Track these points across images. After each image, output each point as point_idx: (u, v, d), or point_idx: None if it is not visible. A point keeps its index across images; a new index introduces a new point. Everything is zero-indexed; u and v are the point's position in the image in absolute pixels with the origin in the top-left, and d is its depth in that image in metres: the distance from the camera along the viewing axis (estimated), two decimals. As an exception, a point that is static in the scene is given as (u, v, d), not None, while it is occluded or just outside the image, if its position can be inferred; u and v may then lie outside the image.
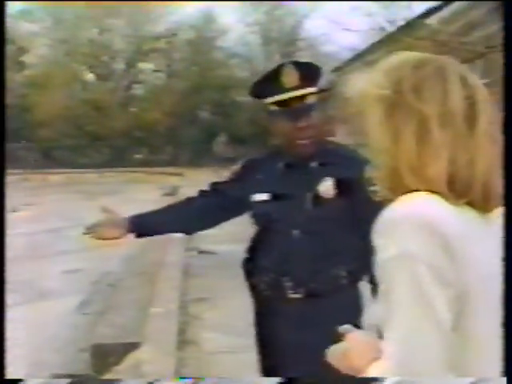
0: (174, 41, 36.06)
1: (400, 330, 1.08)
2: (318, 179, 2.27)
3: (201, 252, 8.84)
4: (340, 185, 2.23)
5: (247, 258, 2.62)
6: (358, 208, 2.07)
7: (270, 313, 2.42)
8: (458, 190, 1.13)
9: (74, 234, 11.65)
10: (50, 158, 33.17)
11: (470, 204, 1.15)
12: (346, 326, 1.31)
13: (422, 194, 1.12)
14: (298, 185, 2.32)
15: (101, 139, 33.90)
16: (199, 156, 34.24)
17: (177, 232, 2.81)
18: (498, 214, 1.20)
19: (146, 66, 37.30)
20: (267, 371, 2.48)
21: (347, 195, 2.20)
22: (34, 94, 32.96)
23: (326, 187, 2.25)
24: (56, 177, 27.81)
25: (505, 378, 1.29)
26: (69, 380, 4.25)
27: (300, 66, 2.27)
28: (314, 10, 33.06)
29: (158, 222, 2.59)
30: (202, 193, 2.64)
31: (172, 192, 19.68)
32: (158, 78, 37.84)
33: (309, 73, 2.25)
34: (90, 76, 37.01)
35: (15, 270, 7.22)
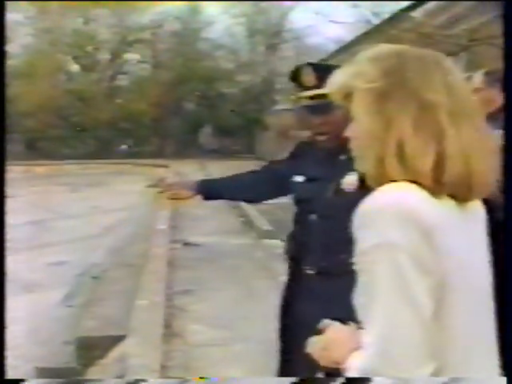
0: (159, 32, 35.85)
1: (380, 318, 1.10)
2: (344, 172, 2.43)
3: (186, 244, 8.84)
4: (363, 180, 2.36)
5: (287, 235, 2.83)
6: None
7: (289, 285, 2.73)
8: (443, 183, 1.14)
9: (58, 225, 11.70)
10: (34, 149, 32.92)
11: (452, 195, 1.17)
12: (326, 321, 1.34)
13: (403, 184, 1.13)
14: (326, 174, 2.52)
15: (86, 130, 33.67)
16: (185, 147, 34.14)
17: (238, 200, 3.28)
18: (478, 204, 1.25)
19: (131, 56, 37.04)
20: (282, 342, 2.86)
21: (368, 189, 2.27)
22: (18, 84, 32.58)
23: (349, 181, 2.41)
24: (40, 168, 27.57)
25: (505, 378, 1.34)
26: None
27: (317, 66, 2.50)
28: (299, 2, 32.96)
29: (223, 188, 2.87)
30: (261, 168, 2.97)
31: (157, 184, 19.58)
32: (143, 68, 37.60)
33: (325, 73, 2.31)
34: (74, 66, 36.69)
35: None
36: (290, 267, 2.72)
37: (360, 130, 1.21)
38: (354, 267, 1.18)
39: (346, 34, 14.82)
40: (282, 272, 5.15)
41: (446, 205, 1.15)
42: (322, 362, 1.29)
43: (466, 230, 1.18)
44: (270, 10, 35.83)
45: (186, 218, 11.41)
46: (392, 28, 9.86)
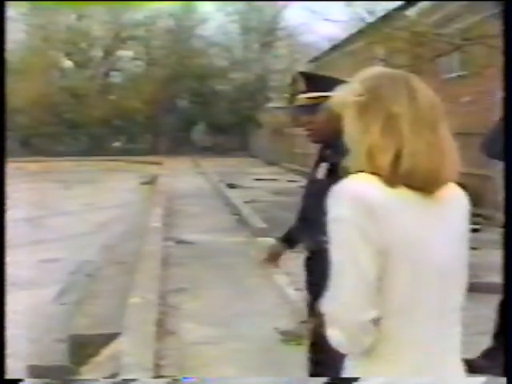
0: (153, 29, 35.77)
1: (333, 275, 1.42)
2: (323, 163, 2.91)
3: (179, 242, 8.82)
4: (331, 169, 2.80)
5: None
6: None
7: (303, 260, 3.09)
8: (398, 175, 1.43)
9: (51, 222, 11.66)
10: (27, 145, 32.80)
11: (410, 186, 1.45)
12: None
13: (362, 174, 1.45)
14: (315, 166, 2.98)
15: (79, 127, 33.58)
16: (178, 145, 34.10)
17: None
18: (453, 196, 1.53)
19: (124, 53, 36.96)
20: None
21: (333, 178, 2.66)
22: (11, 80, 32.33)
23: (321, 170, 2.88)
24: (33, 165, 27.40)
25: (505, 379, 1.49)
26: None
27: (306, 75, 2.98)
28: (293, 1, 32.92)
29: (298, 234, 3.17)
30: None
31: (151, 181, 19.59)
32: (136, 65, 37.51)
33: (312, 81, 2.92)
34: (67, 63, 36.58)
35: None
36: None
37: (347, 134, 1.54)
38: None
39: (340, 32, 14.89)
40: (275, 271, 5.19)
41: (399, 192, 1.43)
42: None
43: (422, 214, 1.45)
44: (264, 8, 35.82)
45: (180, 216, 11.39)
46: (386, 26, 9.85)
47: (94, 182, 19.95)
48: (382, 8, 9.56)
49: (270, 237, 7.70)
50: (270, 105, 31.38)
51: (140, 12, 35.07)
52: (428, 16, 10.67)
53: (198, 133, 36.97)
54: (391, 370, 1.45)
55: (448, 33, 9.55)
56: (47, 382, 4.17)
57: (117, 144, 35.32)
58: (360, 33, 12.62)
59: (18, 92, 31.22)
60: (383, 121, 1.46)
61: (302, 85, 2.93)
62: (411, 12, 10.77)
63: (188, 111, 35.98)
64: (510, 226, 2.26)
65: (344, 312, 1.40)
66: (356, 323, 1.40)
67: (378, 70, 1.58)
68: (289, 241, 3.18)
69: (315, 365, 2.96)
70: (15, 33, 35.89)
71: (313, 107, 2.86)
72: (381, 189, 1.43)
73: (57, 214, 12.77)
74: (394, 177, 1.43)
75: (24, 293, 6.55)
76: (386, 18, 9.90)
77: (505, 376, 1.54)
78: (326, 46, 23.65)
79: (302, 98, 2.92)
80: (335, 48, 21.38)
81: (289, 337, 4.63)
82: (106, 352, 4.37)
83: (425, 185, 1.46)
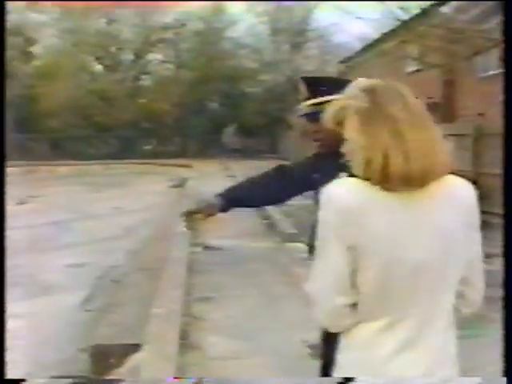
0: (182, 31, 35.81)
1: (315, 265, 1.64)
2: (339, 173, 2.50)
3: (206, 247, 8.62)
4: None
5: None
6: None
7: None
8: (397, 177, 1.52)
9: (79, 226, 11.62)
10: (58, 148, 33.09)
11: (402, 185, 1.55)
12: None
13: (348, 179, 1.61)
14: (327, 176, 2.51)
15: (108, 130, 33.78)
16: (207, 147, 34.07)
17: (256, 206, 3.24)
18: (432, 192, 1.59)
19: (154, 56, 37.11)
20: None
21: None
22: (42, 84, 32.81)
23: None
24: (63, 168, 27.66)
25: (505, 378, 1.60)
26: (70, 380, 4.05)
27: (307, 79, 2.77)
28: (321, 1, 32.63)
29: (243, 197, 2.90)
30: (277, 169, 2.98)
31: (180, 184, 19.51)
32: (166, 68, 37.62)
33: (314, 85, 2.72)
34: (97, 67, 36.88)
35: (19, 263, 7.08)
36: None
37: (351, 140, 1.61)
38: None
39: (372, 31, 14.56)
40: (305, 277, 4.93)
41: (383, 194, 1.55)
42: None
43: (404, 213, 1.56)
44: (294, 9, 35.56)
45: (207, 221, 11.16)
46: (420, 24, 9.52)
47: (123, 185, 20.02)
48: (416, 5, 9.23)
49: (300, 242, 7.45)
50: (300, 107, 31.14)
51: (169, 15, 35.13)
52: (465, 12, 10.31)
53: (228, 135, 36.91)
54: (366, 352, 1.61)
55: (486, 28, 9.19)
56: (50, 381, 4.05)
57: (147, 147, 35.41)
58: (393, 31, 12.32)
59: (49, 96, 31.59)
60: (389, 126, 1.56)
61: (304, 91, 2.76)
62: (447, 8, 10.42)
63: (217, 113, 35.92)
64: (510, 226, 2.25)
65: (319, 296, 1.64)
66: (329, 306, 1.62)
67: (370, 80, 1.69)
68: (235, 200, 2.84)
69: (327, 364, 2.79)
70: (47, 37, 36.38)
71: (317, 114, 2.57)
72: (360, 193, 1.57)
73: (85, 218, 12.77)
74: (391, 179, 1.54)
75: (49, 298, 6.45)
76: (421, 15, 9.58)
77: (505, 376, 1.59)
78: (358, 46, 23.34)
79: (306, 104, 2.76)
80: (367, 48, 21.07)
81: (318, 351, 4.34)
82: (128, 364, 4.18)
83: (418, 182, 1.55)
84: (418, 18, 9.74)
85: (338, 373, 1.69)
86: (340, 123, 1.66)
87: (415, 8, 9.35)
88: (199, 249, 8.54)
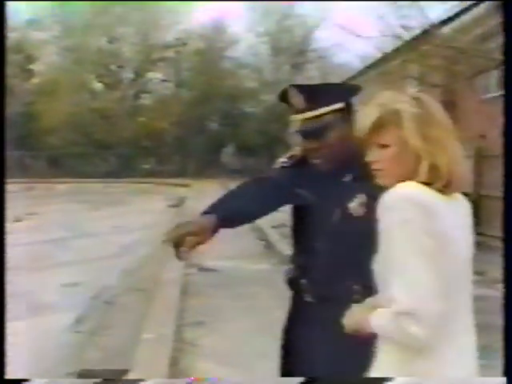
0: (182, 50, 35.94)
1: (406, 273, 1.53)
2: (350, 195, 2.30)
3: (201, 269, 8.44)
4: (371, 202, 2.11)
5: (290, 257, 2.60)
6: None
7: (291, 312, 2.53)
8: (452, 181, 1.62)
9: (76, 244, 11.49)
10: (57, 166, 33.03)
11: (444, 190, 1.63)
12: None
13: (411, 182, 1.60)
14: (330, 197, 2.34)
15: (108, 148, 33.76)
16: (207, 167, 34.01)
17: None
18: (457, 196, 1.70)
19: (154, 75, 37.21)
20: (285, 369, 2.54)
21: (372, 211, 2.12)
22: (42, 101, 32.86)
23: (357, 205, 2.29)
24: (61, 186, 27.60)
25: (505, 378, 1.64)
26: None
27: (303, 88, 2.30)
28: (324, 19, 32.78)
29: (235, 213, 2.31)
30: (256, 181, 2.50)
31: (178, 203, 19.39)
32: (166, 87, 37.71)
33: (313, 95, 2.27)
34: (97, 85, 36.95)
35: (13, 281, 6.92)
36: (291, 292, 2.52)
37: (399, 150, 1.64)
38: (357, 295, 1.94)
39: (373, 51, 14.49)
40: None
41: (441, 196, 1.61)
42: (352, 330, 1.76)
43: (453, 214, 1.63)
44: (295, 29, 35.71)
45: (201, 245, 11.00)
46: (422, 43, 9.45)
47: (121, 204, 19.94)
48: (417, 23, 9.17)
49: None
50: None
51: (170, 33, 35.27)
52: (467, 32, 10.25)
53: (227, 155, 36.86)
54: (430, 364, 1.57)
55: (488, 48, 9.12)
56: (51, 381, 3.96)
57: (145, 165, 35.38)
58: (394, 51, 12.25)
59: (49, 113, 31.62)
60: (443, 132, 1.63)
61: (299, 101, 2.28)
62: (447, 29, 10.37)
63: (217, 133, 35.94)
64: (510, 226, 2.27)
65: (424, 304, 1.51)
66: (435, 314, 1.52)
67: (400, 91, 1.71)
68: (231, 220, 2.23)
69: None
70: (47, 55, 36.49)
71: (318, 129, 2.26)
72: (430, 192, 1.60)
73: (82, 236, 12.67)
74: (453, 183, 1.62)
75: (41, 318, 6.27)
76: (423, 34, 9.51)
77: (505, 376, 1.65)
78: (359, 66, 23.37)
79: (301, 118, 2.29)
80: (368, 68, 21.05)
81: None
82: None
83: (457, 188, 1.65)
84: (419, 37, 9.67)
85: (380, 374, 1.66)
86: (379, 130, 1.64)
87: (417, 26, 9.29)
88: (194, 270, 8.37)
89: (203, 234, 2.11)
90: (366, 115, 1.68)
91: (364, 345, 1.79)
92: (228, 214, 2.24)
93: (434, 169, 1.61)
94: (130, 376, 3.81)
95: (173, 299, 6.05)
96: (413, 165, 1.63)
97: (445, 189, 1.62)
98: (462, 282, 1.65)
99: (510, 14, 2.63)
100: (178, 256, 2.14)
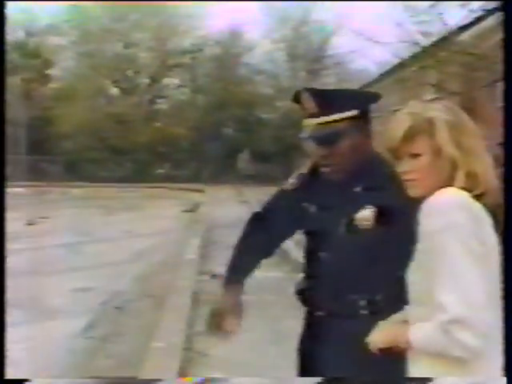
0: (199, 56, 35.97)
1: (457, 280, 1.47)
2: (359, 206, 2.21)
3: (213, 276, 8.32)
4: (381, 213, 2.19)
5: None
6: (399, 238, 1.98)
7: (304, 327, 2.47)
8: (486, 188, 1.60)
9: (88, 249, 11.44)
10: (72, 170, 33.15)
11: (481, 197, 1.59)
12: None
13: (453, 188, 1.57)
14: (338, 206, 2.28)
15: (123, 153, 33.82)
16: (222, 172, 33.96)
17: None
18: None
19: (170, 80, 37.27)
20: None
21: (387, 224, 2.18)
22: (59, 106, 33.02)
23: (365, 216, 2.20)
24: (76, 190, 27.64)
25: (505, 379, 1.60)
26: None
27: (316, 93, 2.21)
28: (341, 26, 32.62)
29: (249, 268, 2.54)
30: (259, 219, 2.58)
31: (192, 209, 19.31)
32: (182, 93, 37.76)
33: (326, 100, 2.19)
34: (114, 90, 37.07)
35: (24, 285, 6.87)
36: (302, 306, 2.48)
37: (432, 159, 1.61)
38: (363, 310, 1.98)
39: (391, 57, 14.37)
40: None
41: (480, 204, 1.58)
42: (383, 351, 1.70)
43: (490, 222, 1.58)
44: (311, 35, 35.61)
45: (218, 247, 10.95)
46: (440, 50, 9.31)
47: (135, 209, 19.91)
48: (436, 29, 9.03)
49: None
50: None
51: (186, 39, 35.32)
52: (487, 38, 10.09)
53: (242, 161, 36.80)
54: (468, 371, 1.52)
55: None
56: (52, 381, 3.82)
57: (161, 170, 35.40)
58: (412, 58, 12.12)
59: (66, 118, 31.78)
60: (477, 140, 1.62)
61: (310, 105, 2.20)
62: (468, 34, 10.23)
63: (232, 139, 35.91)
64: (510, 226, 2.14)
65: (476, 312, 1.45)
66: (487, 323, 1.47)
67: (430, 101, 1.69)
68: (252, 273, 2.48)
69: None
70: (64, 60, 36.71)
71: (330, 135, 2.19)
72: (473, 200, 1.56)
73: (95, 241, 12.61)
74: (485, 192, 1.59)
75: (52, 323, 6.21)
76: (441, 41, 9.37)
77: (505, 376, 1.60)
78: (376, 72, 23.25)
79: (313, 123, 2.22)
80: (385, 74, 20.94)
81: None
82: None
83: (492, 197, 1.61)
84: (438, 43, 9.54)
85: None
86: (411, 139, 1.61)
87: (435, 32, 9.16)
88: (206, 277, 8.25)
89: (236, 310, 2.39)
90: (397, 125, 1.64)
91: (378, 361, 1.77)
92: (248, 273, 2.49)
93: (471, 177, 1.60)
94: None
95: (184, 307, 5.92)
96: (448, 173, 1.61)
97: (481, 197, 1.59)
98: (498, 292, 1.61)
99: (510, 14, 2.54)
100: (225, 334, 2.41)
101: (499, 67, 8.81)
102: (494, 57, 8.72)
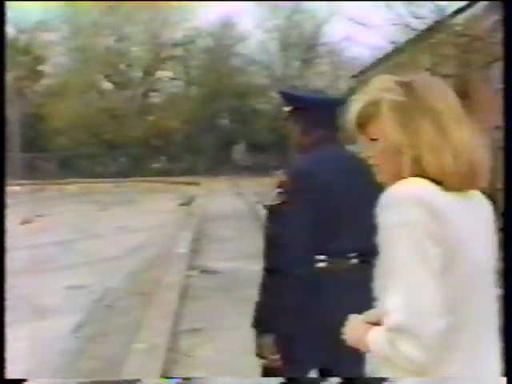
0: (191, 48, 35.76)
1: (403, 282, 1.34)
2: None
3: (203, 271, 8.15)
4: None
5: None
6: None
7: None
8: (452, 176, 1.43)
9: (83, 246, 11.32)
10: (67, 167, 32.98)
11: (458, 186, 1.44)
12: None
13: (415, 179, 1.42)
14: None
15: (117, 148, 33.64)
16: (218, 164, 33.84)
17: None
18: (481, 196, 1.53)
19: (163, 73, 37.07)
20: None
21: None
22: (51, 102, 32.81)
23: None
24: (72, 186, 27.56)
25: (505, 378, 1.55)
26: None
27: (280, 91, 2.80)
28: (334, 14, 32.40)
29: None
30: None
31: (188, 202, 19.21)
32: (175, 85, 37.57)
33: (282, 96, 2.76)
34: (106, 84, 36.85)
35: (17, 284, 6.74)
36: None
37: (385, 144, 1.48)
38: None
39: (385, 43, 14.21)
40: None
41: (451, 194, 1.42)
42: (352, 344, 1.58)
43: (468, 216, 1.43)
44: (304, 24, 35.39)
45: (210, 240, 10.80)
46: (435, 33, 9.14)
47: (131, 204, 19.82)
48: (429, 12, 8.85)
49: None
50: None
51: (178, 32, 35.08)
52: (482, 20, 9.93)
53: (238, 152, 36.66)
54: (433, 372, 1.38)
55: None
56: (51, 381, 3.90)
57: (156, 164, 35.26)
58: (406, 43, 11.94)
59: (58, 113, 31.56)
60: (433, 120, 1.44)
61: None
62: (463, 16, 10.05)
63: (227, 130, 35.77)
64: (510, 226, 2.18)
65: (422, 321, 1.32)
66: (435, 331, 1.32)
67: (392, 76, 1.56)
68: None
69: None
70: (55, 56, 36.48)
71: (285, 121, 2.74)
72: (437, 190, 1.42)
73: (91, 237, 12.53)
74: (448, 178, 1.43)
75: (41, 323, 6.10)
76: (435, 23, 9.19)
77: (505, 376, 1.55)
78: (371, 58, 23.11)
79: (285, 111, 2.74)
80: (379, 61, 20.80)
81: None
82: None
83: (469, 181, 1.45)
84: (431, 26, 9.36)
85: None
86: (364, 123, 1.52)
87: (429, 15, 8.98)
88: (196, 272, 8.09)
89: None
90: (351, 109, 1.57)
91: None
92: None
93: (418, 163, 1.44)
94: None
95: (171, 304, 5.73)
96: (399, 160, 1.47)
97: (453, 186, 1.43)
98: (480, 293, 1.45)
99: (510, 14, 2.56)
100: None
101: (494, 49, 8.66)
102: (489, 38, 8.54)
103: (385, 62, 19.65)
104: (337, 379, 2.69)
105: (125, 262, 9.33)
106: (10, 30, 32.14)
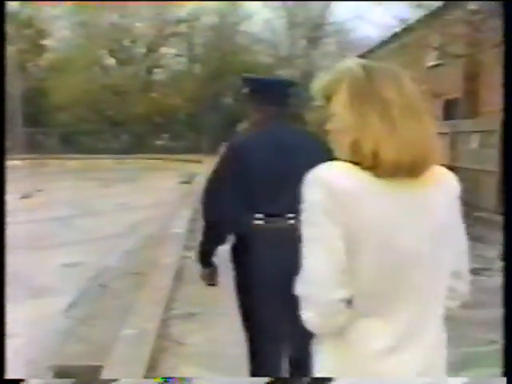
0: (196, 25, 35.36)
1: (304, 254, 1.50)
2: None
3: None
4: None
5: None
6: None
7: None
8: (388, 164, 1.46)
9: (82, 223, 11.16)
10: (68, 143, 32.78)
11: (394, 173, 1.49)
12: None
13: (339, 162, 1.51)
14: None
15: (120, 125, 33.41)
16: (221, 143, 33.55)
17: None
18: (425, 182, 1.53)
19: (167, 50, 36.72)
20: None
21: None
22: (54, 77, 32.55)
23: None
24: (73, 162, 27.40)
25: (505, 378, 1.71)
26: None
27: (242, 76, 3.17)
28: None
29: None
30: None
31: (189, 180, 19.05)
32: (179, 62, 37.22)
33: (242, 80, 3.14)
34: (110, 60, 36.54)
35: (13, 260, 6.58)
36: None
37: (339, 123, 1.55)
38: None
39: (393, 22, 13.97)
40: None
41: (377, 180, 1.47)
42: None
43: (397, 202, 1.48)
44: (311, 3, 34.90)
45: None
46: (445, 13, 8.85)
47: (133, 181, 19.69)
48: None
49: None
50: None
51: (183, 8, 34.66)
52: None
53: (242, 130, 36.47)
54: (355, 351, 1.50)
55: None
56: (50, 381, 3.79)
57: (159, 142, 35.05)
58: (415, 22, 11.61)
59: (61, 89, 31.32)
60: (381, 108, 1.48)
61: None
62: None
63: (231, 109, 35.42)
64: (510, 226, 2.19)
65: (317, 292, 1.46)
66: (329, 302, 1.45)
67: (362, 60, 1.60)
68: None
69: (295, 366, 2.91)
70: (59, 30, 36.11)
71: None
72: (351, 175, 1.48)
73: (89, 214, 12.40)
74: (382, 166, 1.46)
75: (35, 301, 5.95)
76: (445, 5, 8.91)
77: (505, 376, 1.58)
78: (378, 39, 22.78)
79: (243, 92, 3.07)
80: (386, 41, 20.49)
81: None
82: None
83: (410, 171, 1.48)
84: (442, 8, 9.08)
85: (321, 373, 1.58)
86: (327, 98, 1.59)
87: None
88: (192, 253, 7.94)
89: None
90: (318, 81, 1.63)
91: None
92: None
93: (356, 147, 1.49)
94: (104, 374, 3.32)
95: (163, 287, 5.51)
96: (346, 139, 1.54)
97: (386, 174, 1.47)
98: (409, 277, 1.50)
99: (510, 14, 2.54)
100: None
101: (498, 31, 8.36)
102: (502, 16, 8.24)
103: (391, 42, 19.34)
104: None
105: (124, 240, 9.19)
106: (12, 3, 31.79)
